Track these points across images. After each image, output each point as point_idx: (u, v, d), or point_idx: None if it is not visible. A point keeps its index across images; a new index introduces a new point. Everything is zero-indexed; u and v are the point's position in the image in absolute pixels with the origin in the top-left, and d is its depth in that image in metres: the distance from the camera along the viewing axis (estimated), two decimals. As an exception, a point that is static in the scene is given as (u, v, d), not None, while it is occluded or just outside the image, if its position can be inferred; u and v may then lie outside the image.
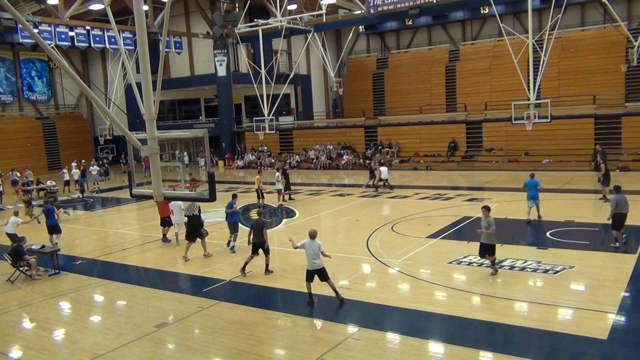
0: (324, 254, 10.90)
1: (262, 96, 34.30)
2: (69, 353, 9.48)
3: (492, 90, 39.19)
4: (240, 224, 16.33)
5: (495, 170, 30.56)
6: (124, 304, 12.14)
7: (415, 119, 37.63)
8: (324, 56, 39.65)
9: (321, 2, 33.48)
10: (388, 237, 16.28)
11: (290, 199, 23.80)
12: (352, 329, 9.80)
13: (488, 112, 35.10)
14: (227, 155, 41.11)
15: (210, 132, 32.00)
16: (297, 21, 35.59)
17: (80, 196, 29.45)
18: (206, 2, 41.02)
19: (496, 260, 12.31)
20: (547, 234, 15.61)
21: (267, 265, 13.25)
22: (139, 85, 8.98)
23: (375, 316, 10.32)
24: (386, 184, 25.40)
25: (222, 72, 39.84)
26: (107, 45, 35.71)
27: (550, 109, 26.57)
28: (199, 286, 12.52)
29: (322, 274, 10.94)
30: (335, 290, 10.97)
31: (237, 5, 37.55)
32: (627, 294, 10.63)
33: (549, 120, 26.46)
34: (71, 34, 33.35)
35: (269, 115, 34.75)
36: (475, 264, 12.99)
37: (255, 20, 35.60)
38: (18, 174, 31.82)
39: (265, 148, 40.65)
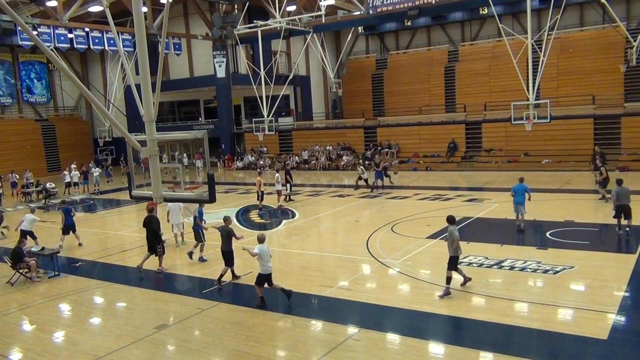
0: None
1: (261, 97, 34.31)
2: (68, 355, 9.47)
3: (492, 90, 39.20)
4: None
5: (495, 170, 30.57)
6: (124, 305, 12.14)
7: (414, 119, 37.64)
8: (323, 57, 39.68)
9: (320, 3, 33.47)
10: (388, 238, 16.28)
11: (290, 199, 23.77)
12: (352, 329, 9.79)
13: (487, 112, 35.11)
14: (226, 157, 41.12)
15: (209, 133, 32.10)
16: (296, 22, 35.59)
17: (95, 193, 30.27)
18: (205, 4, 41.02)
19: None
20: (547, 234, 15.61)
21: (232, 273, 12.70)
22: (138, 86, 8.98)
23: (376, 317, 10.32)
24: (368, 184, 25.35)
25: (221, 73, 39.86)
26: (106, 47, 35.70)
27: (550, 109, 26.56)
28: (199, 287, 12.51)
29: (271, 278, 10.99)
30: (282, 289, 11.10)
31: (236, 6, 37.58)
32: (627, 294, 10.63)
33: (548, 120, 26.47)
34: (70, 36, 33.34)
35: (268, 116, 34.75)
36: (475, 265, 12.98)
37: (254, 21, 35.62)
38: (17, 176, 31.82)
39: (265, 149, 40.66)
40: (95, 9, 34.59)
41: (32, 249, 14.89)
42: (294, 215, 20.97)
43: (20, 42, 32.40)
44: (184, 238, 16.91)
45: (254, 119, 37.03)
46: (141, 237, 17.05)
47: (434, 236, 16.02)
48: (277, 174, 23.39)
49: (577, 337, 8.86)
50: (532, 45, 26.24)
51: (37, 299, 12.55)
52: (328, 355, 8.73)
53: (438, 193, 23.97)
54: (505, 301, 10.64)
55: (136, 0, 8.48)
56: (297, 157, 38.65)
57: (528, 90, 26.55)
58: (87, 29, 34.20)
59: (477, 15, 42.16)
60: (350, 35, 44.70)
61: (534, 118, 26.43)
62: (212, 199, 9.05)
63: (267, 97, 34.39)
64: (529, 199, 15.83)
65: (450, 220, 11.39)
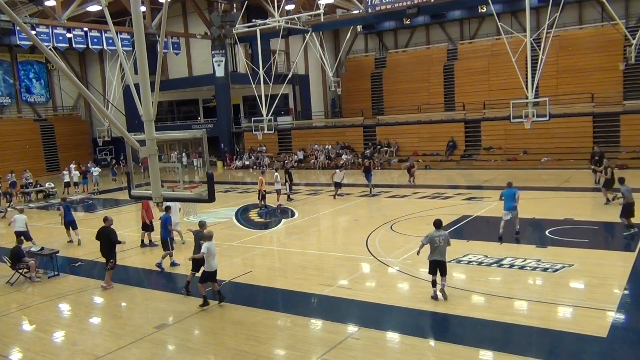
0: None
1: (260, 96, 34.30)
2: (68, 355, 9.47)
3: (491, 89, 39.22)
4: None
5: (494, 169, 30.57)
6: (123, 305, 12.14)
7: (413, 118, 37.63)
8: (322, 56, 39.68)
9: (319, 2, 33.47)
10: (387, 237, 16.29)
11: (289, 199, 23.77)
12: (352, 328, 9.80)
13: (486, 110, 35.11)
14: (227, 155, 41.12)
15: (208, 132, 32.11)
16: (295, 21, 35.59)
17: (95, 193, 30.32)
18: (204, 3, 41.00)
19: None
20: (547, 232, 15.62)
21: (218, 291, 11.38)
22: (137, 86, 8.98)
23: (375, 315, 10.32)
24: (337, 189, 23.84)
25: (220, 72, 39.83)
26: (105, 47, 35.70)
27: (549, 108, 26.58)
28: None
29: (215, 276, 11.11)
30: (219, 292, 11.14)
31: (234, 5, 37.57)
32: (626, 292, 10.64)
33: (547, 118, 26.48)
34: (69, 35, 33.33)
35: (267, 115, 34.76)
36: (474, 263, 12.99)
37: (253, 20, 35.60)
38: (14, 176, 31.80)
39: (264, 148, 40.66)
40: (93, 8, 34.57)
41: (32, 249, 14.88)
42: (293, 215, 20.97)
43: (18, 42, 32.39)
44: (182, 237, 16.91)
45: (253, 118, 37.04)
46: (140, 236, 17.07)
47: (428, 235, 15.99)
48: (276, 174, 23.39)
49: (577, 335, 8.87)
50: (531, 43, 26.24)
51: (37, 299, 12.54)
52: (328, 354, 8.74)
53: (437, 192, 23.97)
54: (504, 299, 10.65)
55: (134, -1, 8.47)
56: (296, 156, 38.66)
57: (527, 88, 26.55)
58: (85, 29, 34.20)
59: (475, 14, 42.13)
60: (349, 34, 44.67)
61: (533, 116, 26.44)
62: (211, 198, 9.06)
63: (266, 96, 34.39)
64: (517, 203, 14.82)
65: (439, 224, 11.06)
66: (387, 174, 32.47)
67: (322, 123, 43.92)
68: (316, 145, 38.46)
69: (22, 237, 15.06)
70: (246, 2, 35.69)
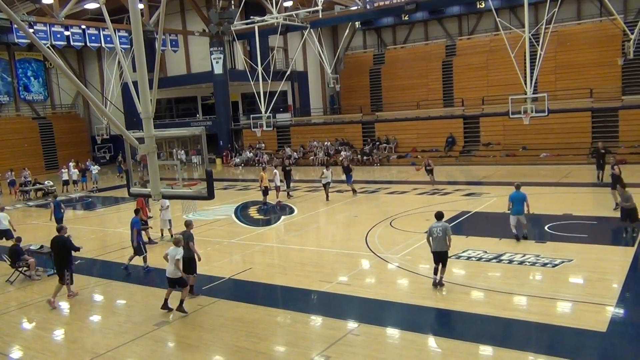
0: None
1: (259, 93, 34.26)
2: (68, 353, 9.49)
3: (489, 84, 39.21)
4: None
5: (493, 164, 30.59)
6: (123, 303, 12.15)
7: (412, 114, 37.59)
8: (321, 52, 39.62)
9: (317, -2, 33.41)
10: (387, 233, 16.30)
11: (289, 196, 23.75)
12: (352, 324, 9.81)
13: (485, 106, 35.11)
14: (224, 153, 41.10)
15: (207, 130, 31.96)
16: (293, 18, 35.53)
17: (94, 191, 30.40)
18: (202, 0, 40.91)
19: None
20: (546, 227, 15.64)
21: (180, 301, 10.88)
22: (135, 83, 8.97)
23: (375, 312, 10.34)
24: (327, 190, 22.71)
25: (218, 69, 39.76)
26: (103, 44, 35.62)
27: (547, 103, 26.57)
28: (199, 284, 12.48)
29: (181, 283, 10.86)
30: (182, 301, 10.80)
31: (232, 2, 37.46)
32: (625, 287, 10.65)
33: (546, 114, 26.47)
34: (67, 33, 33.24)
35: (266, 112, 34.74)
36: (474, 259, 13.01)
37: (251, 17, 35.53)
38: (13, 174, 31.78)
39: (263, 145, 40.63)
40: (91, 6, 34.43)
41: (31, 247, 14.88)
42: (292, 211, 20.98)
43: (16, 40, 32.35)
44: (172, 234, 16.95)
45: (251, 115, 37.00)
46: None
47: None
48: (275, 171, 23.37)
49: (576, 330, 8.89)
50: (530, 38, 26.23)
51: (37, 297, 12.55)
52: (328, 350, 8.75)
53: (436, 187, 23.98)
54: (504, 295, 10.67)
55: (132, -4, 8.46)
56: (295, 153, 38.64)
57: (526, 84, 26.54)
58: (83, 26, 34.10)
59: (474, 9, 42.09)
60: (347, 31, 44.59)
61: (532, 112, 26.44)
62: (210, 195, 9.06)
63: (264, 93, 34.35)
64: (528, 212, 14.16)
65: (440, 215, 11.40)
66: (387, 170, 32.47)
67: (320, 120, 43.89)
68: (315, 142, 38.44)
69: (4, 237, 15.02)
70: (244, -2, 35.59)
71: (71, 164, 32.66)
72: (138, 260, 14.14)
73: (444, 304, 10.41)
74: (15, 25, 28.46)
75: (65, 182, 31.00)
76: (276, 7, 33.17)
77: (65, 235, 12.42)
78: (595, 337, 8.68)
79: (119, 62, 33.32)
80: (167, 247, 16.31)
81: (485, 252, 13.45)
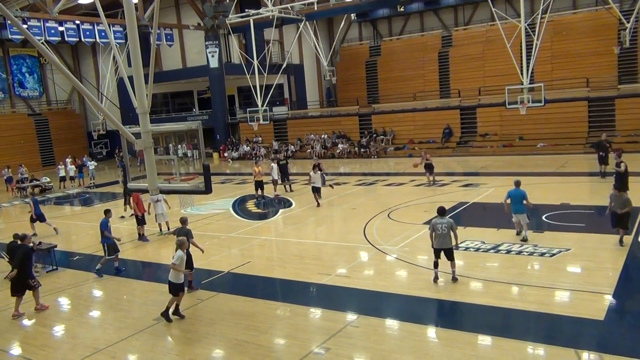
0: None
1: (255, 87, 34.18)
2: (69, 348, 9.50)
3: (486, 75, 39.17)
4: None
5: (490, 155, 30.62)
6: (123, 298, 12.16)
7: (409, 106, 37.57)
8: (317, 45, 39.50)
9: (312, -10, 33.27)
10: (385, 225, 16.32)
11: (290, 190, 23.66)
12: (351, 316, 9.84)
13: (482, 97, 35.09)
14: (221, 147, 41.03)
15: (204, 124, 31.89)
16: (288, 10, 35.39)
17: (91, 187, 30.31)
18: (196, -7, 40.75)
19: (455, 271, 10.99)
20: (543, 217, 15.68)
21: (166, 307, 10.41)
22: (130, 78, 8.94)
23: (374, 303, 10.37)
24: (317, 196, 19.97)
25: (214, 63, 39.66)
26: (98, 40, 35.47)
27: (544, 93, 26.60)
28: (198, 278, 12.49)
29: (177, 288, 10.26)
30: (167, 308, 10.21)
31: (227, -5, 37.29)
32: (623, 275, 10.70)
33: (542, 104, 26.50)
34: (61, 29, 33.07)
35: (262, 105, 34.66)
36: (472, 249, 13.05)
37: (246, 10, 35.38)
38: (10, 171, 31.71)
39: (260, 139, 40.58)
40: (85, 1, 34.20)
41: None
42: (290, 205, 20.98)
43: (10, 36, 32.14)
44: (169, 227, 17.05)
45: (248, 109, 36.93)
46: (135, 230, 17.03)
47: (430, 222, 16.05)
48: (272, 164, 23.33)
49: (574, 319, 8.94)
50: (526, 28, 26.19)
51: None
52: (327, 342, 8.78)
53: (434, 179, 23.97)
54: (502, 285, 10.71)
55: (126, -9, 8.41)
56: (292, 147, 38.62)
57: (522, 74, 26.54)
58: (77, 22, 33.95)
59: (470, 0, 41.98)
60: (343, 23, 44.46)
61: (528, 102, 26.45)
62: (208, 189, 9.07)
63: (260, 86, 34.27)
64: (531, 209, 13.44)
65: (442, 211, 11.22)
66: (384, 162, 32.50)
67: (317, 112, 43.81)
68: (312, 135, 38.41)
69: None
70: (239, -9, 35.48)
71: (68, 160, 32.58)
72: (137, 253, 14.12)
73: (442, 295, 10.45)
74: (9, 21, 28.32)
75: (62, 179, 30.93)
76: (271, 0, 33.02)
77: (30, 244, 11.73)
78: (593, 326, 8.72)
79: (114, 57, 33.19)
80: (165, 241, 16.44)
81: (484, 242, 13.49)
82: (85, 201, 26.84)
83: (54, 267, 14.33)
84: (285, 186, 23.79)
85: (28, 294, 11.35)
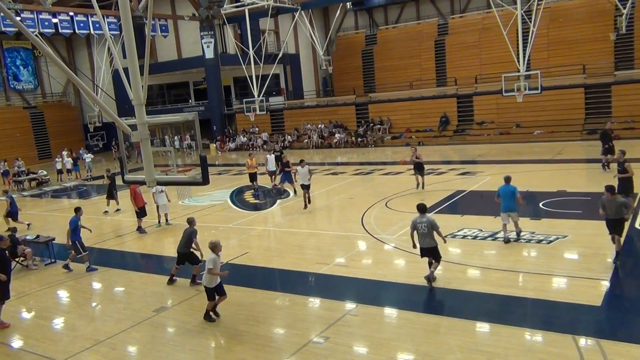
0: None
1: (251, 77, 34.05)
2: (69, 341, 9.53)
3: (482, 63, 39.11)
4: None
5: (487, 143, 30.63)
6: (122, 290, 12.19)
7: (405, 94, 37.53)
8: (312, 34, 39.34)
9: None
10: (382, 214, 16.36)
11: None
12: (350, 305, 9.89)
13: (478, 85, 35.06)
14: (218, 138, 40.95)
15: (200, 115, 31.76)
16: (283, 0, 35.19)
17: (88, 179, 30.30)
18: (191, -17, 40.43)
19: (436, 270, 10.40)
20: (540, 204, 15.73)
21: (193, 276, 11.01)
22: (126, 70, 8.89)
23: (372, 292, 10.42)
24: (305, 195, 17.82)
25: (209, 54, 39.44)
26: (92, 31, 35.24)
27: (540, 80, 26.57)
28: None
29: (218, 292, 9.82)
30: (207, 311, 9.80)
31: (222, -15, 37.01)
32: (620, 261, 10.73)
33: (539, 91, 26.49)
34: (54, 20, 32.84)
35: (259, 96, 34.56)
36: (469, 237, 13.09)
37: (241, 0, 35.15)
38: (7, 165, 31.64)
39: (257, 129, 40.49)
40: (78, -8, 34.07)
41: (27, 237, 14.87)
42: (288, 195, 20.98)
43: (3, 29, 31.89)
44: (168, 219, 17.07)
45: (244, 100, 36.84)
46: (135, 221, 17.03)
47: (428, 210, 16.06)
48: (267, 156, 23.26)
49: (572, 305, 8.99)
50: (522, 15, 26.13)
51: (35, 286, 12.56)
52: (327, 331, 8.83)
53: (431, 167, 23.96)
54: (500, 272, 10.75)
55: (120, -19, 8.34)
56: (289, 137, 38.57)
57: (518, 61, 26.49)
58: (71, 13, 33.71)
59: (466, -13, 41.86)
60: (338, 12, 44.28)
61: (525, 89, 26.44)
62: (205, 181, 9.05)
63: (256, 76, 34.14)
64: (521, 204, 12.66)
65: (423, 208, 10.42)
66: (381, 151, 32.49)
67: (314, 102, 43.73)
68: (309, 125, 38.35)
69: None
70: (233, -19, 35.21)
71: (64, 153, 32.50)
72: (135, 245, 14.14)
73: (440, 283, 10.48)
74: (2, 14, 28.09)
75: (59, 172, 30.88)
76: (266, -11, 32.84)
77: (4, 247, 10.85)
78: (590, 311, 8.78)
79: (108, 48, 32.98)
80: (164, 233, 16.45)
81: (481, 230, 13.53)
82: (82, 194, 26.80)
83: (53, 260, 14.33)
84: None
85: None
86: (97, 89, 37.45)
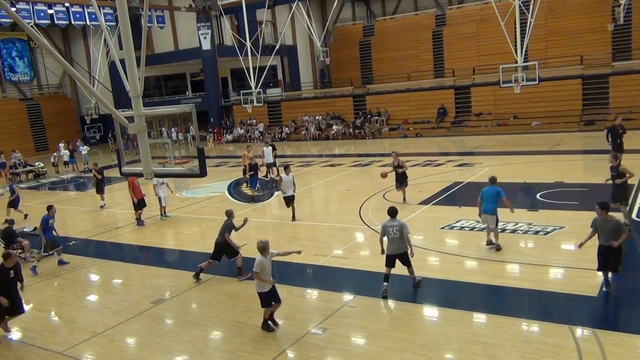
0: None
1: (248, 69, 33.92)
2: (67, 333, 9.55)
3: (480, 54, 39.04)
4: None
5: (485, 134, 30.63)
6: (120, 282, 12.20)
7: (403, 86, 37.46)
8: (310, 26, 39.14)
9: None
10: (380, 205, 16.35)
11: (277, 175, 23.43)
12: (347, 296, 9.92)
13: (476, 76, 35.01)
14: (215, 130, 40.86)
15: (197, 107, 31.62)
16: (280, -10, 35.03)
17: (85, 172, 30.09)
18: (187, -26, 40.20)
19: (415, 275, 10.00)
20: (537, 195, 15.76)
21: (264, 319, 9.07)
22: (122, 62, 8.85)
23: (370, 283, 10.43)
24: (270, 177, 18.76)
25: (206, 45, 39.28)
26: (88, 22, 35.06)
27: (538, 71, 26.54)
28: (194, 261, 12.54)
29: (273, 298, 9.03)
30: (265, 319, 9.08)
31: (218, -24, 36.79)
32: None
33: (537, 82, 26.45)
34: (50, 11, 32.65)
35: (256, 87, 34.44)
36: (467, 229, 13.12)
37: (238, -10, 34.98)
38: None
39: (255, 121, 40.41)
40: (74, -17, 33.81)
41: (25, 230, 14.86)
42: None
43: (-2, 20, 31.70)
44: (166, 211, 17.17)
45: (241, 91, 36.70)
46: (133, 213, 17.02)
47: (425, 202, 16.15)
48: (264, 148, 23.18)
49: (568, 295, 9.04)
50: (520, 6, 26.05)
51: (33, 279, 12.55)
52: (325, 323, 8.86)
53: (429, 159, 24.02)
54: (497, 263, 10.79)
55: (116, -28, 8.28)
56: (286, 128, 38.50)
57: (516, 52, 26.44)
58: (67, 4, 33.50)
59: (463, -22, 41.68)
60: (336, 3, 43.94)
61: (523, 80, 26.40)
62: (203, 172, 9.02)
63: (254, 68, 34.00)
64: (512, 211, 11.59)
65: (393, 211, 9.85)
66: (379, 142, 32.48)
67: (311, 94, 43.62)
68: (306, 117, 38.27)
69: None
70: (230, -28, 35.00)
71: (61, 145, 32.42)
72: (133, 237, 14.14)
73: (437, 274, 10.53)
74: (-3, 5, 27.92)
75: (54, 164, 30.83)
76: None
77: (8, 266, 9.50)
78: (586, 302, 8.83)
79: (105, 40, 32.82)
80: (163, 225, 16.45)
81: (478, 221, 13.52)
82: (79, 186, 26.76)
83: (51, 252, 14.30)
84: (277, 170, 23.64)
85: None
86: (93, 81, 37.25)
